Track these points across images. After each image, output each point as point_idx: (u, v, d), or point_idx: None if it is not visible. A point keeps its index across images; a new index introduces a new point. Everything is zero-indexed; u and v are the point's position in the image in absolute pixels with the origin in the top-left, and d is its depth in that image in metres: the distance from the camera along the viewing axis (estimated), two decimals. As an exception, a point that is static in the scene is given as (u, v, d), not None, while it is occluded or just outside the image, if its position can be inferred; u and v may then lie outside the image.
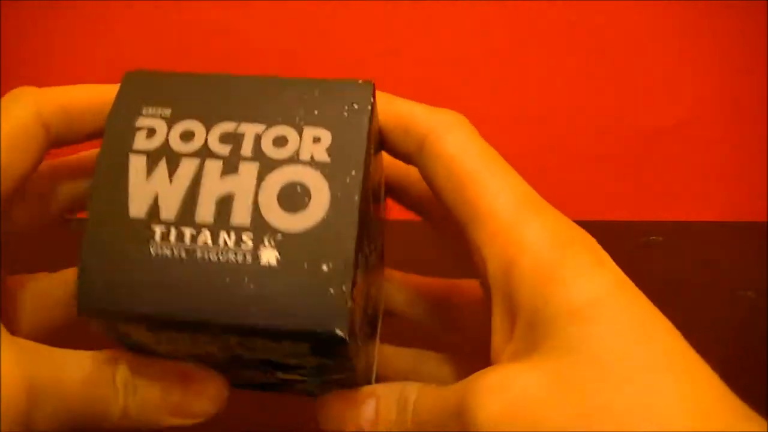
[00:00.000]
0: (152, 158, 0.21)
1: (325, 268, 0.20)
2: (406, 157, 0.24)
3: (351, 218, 0.20)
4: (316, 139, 0.21)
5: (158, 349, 0.22)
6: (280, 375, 0.24)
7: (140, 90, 0.22)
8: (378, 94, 0.22)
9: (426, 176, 0.23)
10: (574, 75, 0.50)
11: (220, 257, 0.20)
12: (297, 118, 0.21)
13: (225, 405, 0.24)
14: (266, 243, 0.20)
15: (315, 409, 0.24)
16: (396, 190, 0.26)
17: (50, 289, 0.26)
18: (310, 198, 0.20)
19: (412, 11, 0.50)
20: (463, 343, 0.27)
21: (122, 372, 0.22)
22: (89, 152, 0.25)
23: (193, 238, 0.20)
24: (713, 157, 0.50)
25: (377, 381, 0.26)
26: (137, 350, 0.23)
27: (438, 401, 0.22)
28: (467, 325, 0.27)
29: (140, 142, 0.21)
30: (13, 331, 0.22)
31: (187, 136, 0.21)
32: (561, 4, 0.50)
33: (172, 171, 0.21)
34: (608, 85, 0.50)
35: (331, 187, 0.20)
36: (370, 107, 0.21)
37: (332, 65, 0.50)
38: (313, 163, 0.21)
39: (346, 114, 0.21)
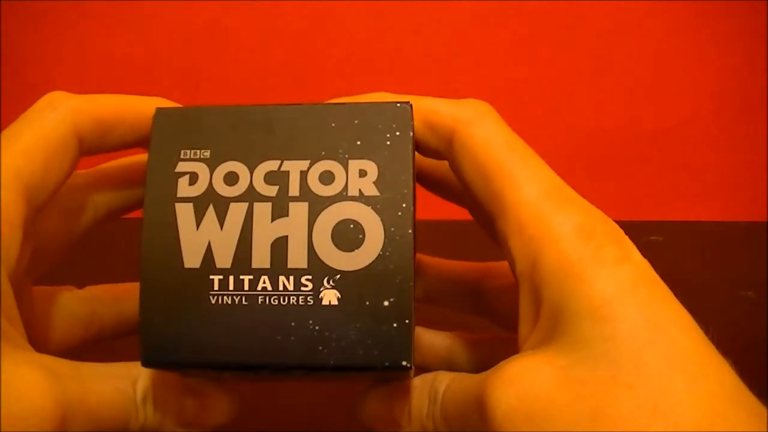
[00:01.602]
0: (199, 205, 0.21)
1: (386, 303, 0.20)
2: (436, 155, 0.24)
3: (407, 253, 0.21)
4: (363, 173, 0.21)
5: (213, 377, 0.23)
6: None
7: (175, 131, 0.22)
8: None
9: (455, 171, 0.23)
10: (574, 75, 0.50)
11: (281, 301, 0.20)
12: (340, 151, 0.21)
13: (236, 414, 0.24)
14: (326, 284, 0.20)
15: (355, 404, 0.24)
16: (432, 184, 0.26)
17: (75, 306, 0.26)
18: (364, 235, 0.21)
19: (412, 11, 0.50)
20: (497, 326, 0.28)
21: (141, 387, 0.22)
22: (118, 162, 0.25)
23: (252, 285, 0.20)
24: (713, 157, 0.50)
25: (417, 366, 0.27)
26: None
27: (462, 392, 0.22)
28: (500, 309, 0.27)
29: (184, 189, 0.21)
30: (38, 346, 0.21)
31: (230, 178, 0.21)
32: (561, 4, 0.50)
33: (221, 217, 0.21)
34: (608, 86, 0.50)
35: (383, 223, 0.21)
36: (411, 133, 0.22)
37: (333, 65, 0.50)
38: (362, 198, 0.21)
39: (388, 143, 0.21)
